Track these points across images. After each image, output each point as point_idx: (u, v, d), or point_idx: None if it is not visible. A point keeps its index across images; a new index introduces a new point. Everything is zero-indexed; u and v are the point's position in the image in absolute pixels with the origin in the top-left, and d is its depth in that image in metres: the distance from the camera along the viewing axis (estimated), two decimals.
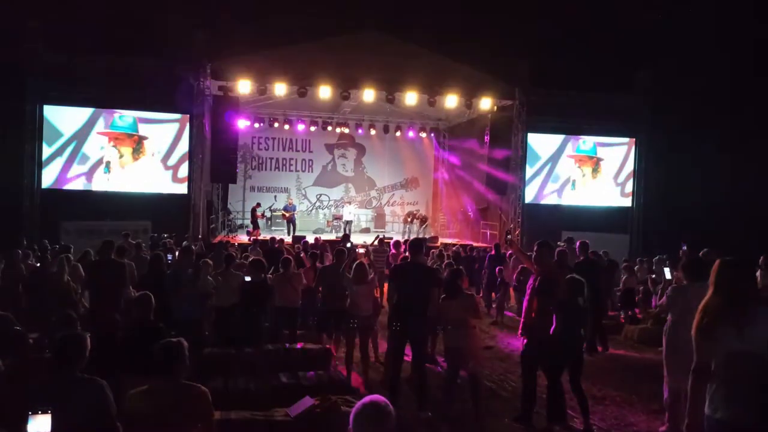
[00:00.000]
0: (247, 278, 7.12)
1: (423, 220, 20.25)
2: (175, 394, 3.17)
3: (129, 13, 18.74)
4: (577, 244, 9.11)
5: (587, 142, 19.51)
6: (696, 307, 5.15)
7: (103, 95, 15.85)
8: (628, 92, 18.82)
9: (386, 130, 21.93)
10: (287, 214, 19.02)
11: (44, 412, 2.67)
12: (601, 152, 19.70)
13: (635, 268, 13.44)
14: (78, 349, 3.24)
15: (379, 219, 22.00)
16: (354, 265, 7.11)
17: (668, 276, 6.30)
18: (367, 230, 21.02)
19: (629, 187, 19.60)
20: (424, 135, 22.43)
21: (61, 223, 14.86)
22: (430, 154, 23.65)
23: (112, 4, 18.48)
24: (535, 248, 5.93)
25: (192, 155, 16.34)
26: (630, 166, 19.64)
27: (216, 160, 15.55)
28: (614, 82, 18.87)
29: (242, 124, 18.79)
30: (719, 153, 16.20)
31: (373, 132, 21.70)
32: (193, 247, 9.31)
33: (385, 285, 7.63)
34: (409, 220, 20.41)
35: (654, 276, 11.44)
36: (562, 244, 11.99)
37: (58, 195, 15.63)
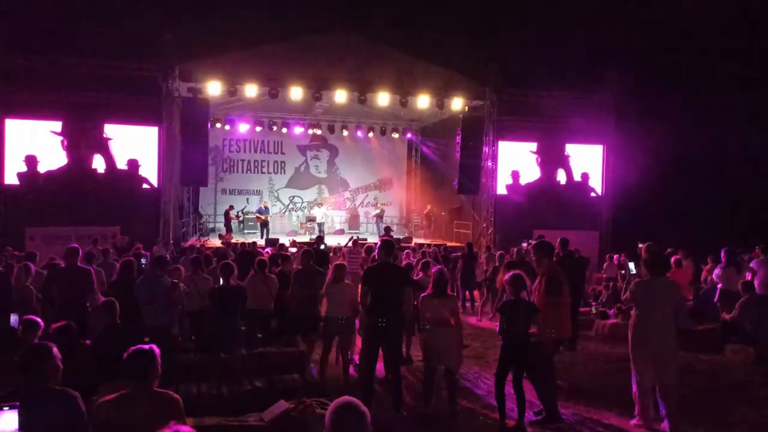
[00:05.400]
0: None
1: (380, 216, 20.69)
2: (146, 401, 3.12)
3: (93, 14, 18.33)
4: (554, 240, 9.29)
5: (557, 140, 19.79)
6: (659, 300, 5.33)
7: (67, 99, 15.46)
8: (597, 92, 19.18)
9: (359, 130, 21.96)
10: (262, 217, 18.88)
11: (11, 408, 2.58)
12: (570, 150, 20.01)
13: (605, 264, 13.72)
14: (46, 361, 3.15)
15: (353, 220, 21.98)
16: (333, 266, 7.09)
17: (633, 271, 6.47)
18: (341, 231, 20.98)
19: (599, 184, 19.97)
20: (396, 135, 22.50)
21: (26, 229, 14.48)
22: (403, 155, 23.73)
23: (74, 5, 18.04)
24: (531, 251, 6.12)
25: (161, 158, 16.06)
26: (599, 163, 20.01)
27: (186, 163, 15.32)
28: (584, 82, 19.19)
29: (212, 125, 18.56)
30: (687, 152, 16.64)
31: (345, 133, 21.69)
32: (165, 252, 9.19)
33: (359, 286, 7.61)
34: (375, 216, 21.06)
35: (623, 271, 11.67)
36: (534, 242, 12.20)
37: (23, 200, 15.15)
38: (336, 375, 6.98)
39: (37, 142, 15.60)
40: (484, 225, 17.94)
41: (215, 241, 17.34)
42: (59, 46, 15.78)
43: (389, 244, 6.10)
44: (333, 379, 6.80)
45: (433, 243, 16.80)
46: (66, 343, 4.35)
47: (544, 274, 5.91)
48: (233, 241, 16.06)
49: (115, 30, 17.44)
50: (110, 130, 16.38)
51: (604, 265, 13.79)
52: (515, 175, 19.54)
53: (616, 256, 13.29)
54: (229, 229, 18.09)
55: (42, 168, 15.62)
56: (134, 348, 3.24)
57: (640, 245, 7.28)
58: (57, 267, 7.90)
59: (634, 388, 5.50)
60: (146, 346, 3.25)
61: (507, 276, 5.65)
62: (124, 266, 7.06)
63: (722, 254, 10.00)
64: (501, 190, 18.79)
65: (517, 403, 5.46)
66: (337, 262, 7.24)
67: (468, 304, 12.14)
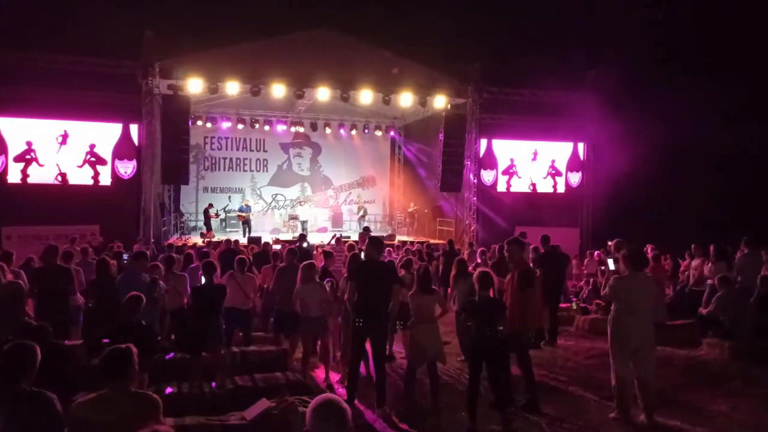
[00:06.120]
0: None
1: (362, 217, 20.80)
2: (123, 402, 3.09)
3: (72, 11, 18.03)
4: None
5: (539, 138, 19.98)
6: (637, 295, 5.43)
7: (45, 96, 15.21)
8: (579, 90, 19.38)
9: (342, 128, 21.92)
10: (243, 216, 18.78)
11: None
12: (552, 148, 20.22)
13: (585, 261, 13.87)
14: (27, 361, 3.10)
15: (336, 218, 21.93)
16: (302, 265, 7.06)
17: (611, 267, 6.57)
18: (324, 229, 20.93)
19: (580, 182, 20.21)
20: (379, 133, 22.48)
21: (2, 229, 14.23)
22: (386, 153, 23.73)
23: (51, 2, 17.74)
24: (505, 247, 6.23)
25: (141, 156, 15.89)
26: (580, 161, 20.25)
27: (167, 161, 15.15)
28: (565, 81, 19.36)
29: (194, 123, 18.40)
30: (667, 150, 16.84)
31: (328, 131, 21.64)
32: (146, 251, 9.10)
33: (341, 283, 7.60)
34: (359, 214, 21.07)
35: (603, 267, 11.80)
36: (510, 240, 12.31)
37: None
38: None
39: (10, 140, 15.36)
40: (467, 222, 18.03)
41: (197, 240, 17.21)
42: (37, 43, 15.50)
43: (379, 241, 6.11)
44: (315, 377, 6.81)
45: (416, 240, 16.85)
46: (40, 344, 4.29)
47: (516, 269, 6.07)
48: (214, 239, 15.93)
49: (94, 27, 17.16)
50: (89, 127, 16.21)
51: (585, 261, 13.94)
52: (497, 172, 19.70)
53: (596, 253, 13.45)
54: (209, 228, 17.93)
55: (19, 167, 15.39)
56: (111, 348, 3.21)
57: (609, 243, 7.45)
58: (35, 266, 7.78)
59: (614, 381, 5.58)
60: (123, 346, 3.22)
61: (475, 274, 5.70)
62: (100, 265, 6.98)
63: (711, 250, 10.16)
64: (483, 187, 18.92)
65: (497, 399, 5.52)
66: (306, 262, 7.19)
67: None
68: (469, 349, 5.67)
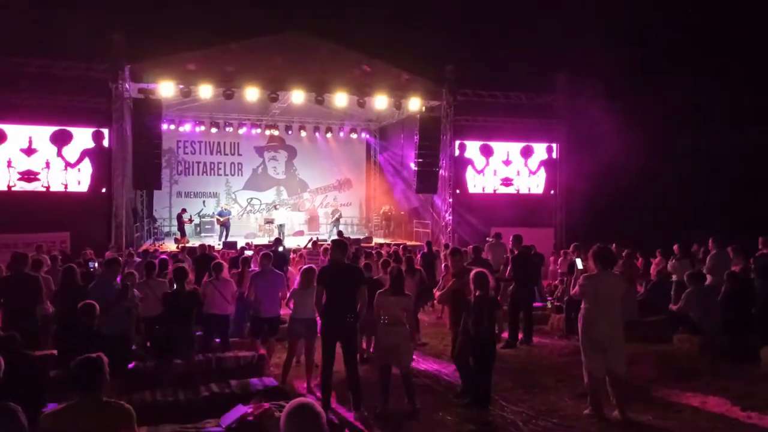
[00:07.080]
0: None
1: (337, 220, 20.71)
2: (94, 412, 3.03)
3: (40, 14, 17.65)
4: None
5: (512, 139, 20.19)
6: (607, 293, 5.55)
7: (13, 101, 14.85)
8: (551, 92, 19.65)
9: (317, 131, 21.86)
10: (222, 219, 18.62)
11: None
12: (526, 149, 20.44)
13: (559, 260, 14.05)
14: None
15: (313, 221, 21.86)
16: (302, 270, 7.08)
17: (580, 266, 6.74)
18: (300, 233, 20.83)
19: (554, 182, 20.48)
20: (355, 136, 22.48)
21: None
22: (362, 155, 23.73)
23: (19, 2, 17.33)
24: (449, 258, 6.52)
25: (113, 161, 15.61)
26: (554, 161, 20.52)
27: (139, 166, 14.91)
28: (536, 83, 19.62)
29: (166, 127, 18.15)
30: (638, 151, 17.16)
31: (303, 134, 21.55)
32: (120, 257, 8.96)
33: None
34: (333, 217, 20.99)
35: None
36: (491, 239, 12.44)
37: None
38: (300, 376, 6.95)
39: None
40: (443, 224, 18.14)
41: (171, 246, 16.97)
42: (3, 46, 15.14)
43: (342, 244, 6.15)
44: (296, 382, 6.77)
45: (393, 243, 16.88)
46: (9, 355, 4.18)
47: (455, 274, 6.43)
48: (188, 244, 15.73)
49: (62, 29, 16.82)
50: (59, 132, 15.87)
51: (559, 260, 14.12)
52: (472, 174, 19.86)
53: (563, 252, 13.67)
54: (182, 234, 17.70)
55: None
56: (81, 357, 3.15)
57: (570, 250, 7.71)
58: (2, 275, 7.60)
59: (586, 379, 5.67)
60: (94, 354, 3.16)
61: (471, 274, 5.86)
62: (66, 274, 6.84)
63: (675, 248, 10.41)
64: (459, 188, 19.05)
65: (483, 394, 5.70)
66: (306, 266, 7.20)
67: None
68: (471, 348, 5.80)
